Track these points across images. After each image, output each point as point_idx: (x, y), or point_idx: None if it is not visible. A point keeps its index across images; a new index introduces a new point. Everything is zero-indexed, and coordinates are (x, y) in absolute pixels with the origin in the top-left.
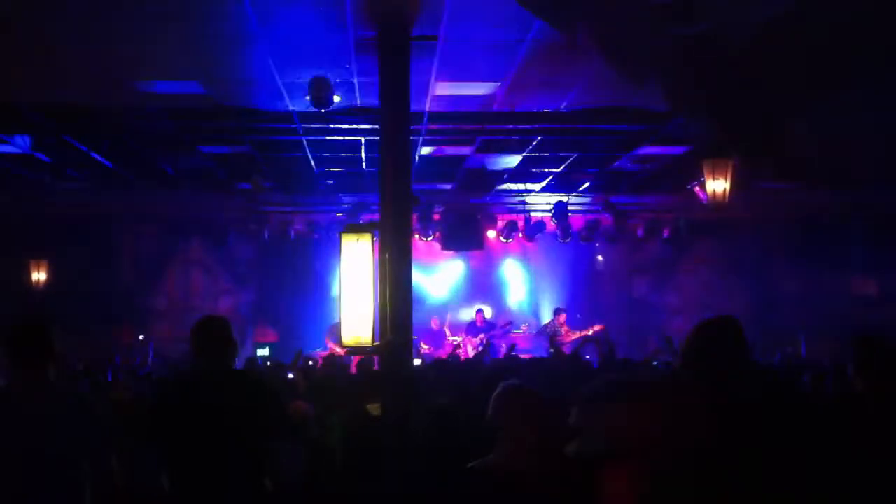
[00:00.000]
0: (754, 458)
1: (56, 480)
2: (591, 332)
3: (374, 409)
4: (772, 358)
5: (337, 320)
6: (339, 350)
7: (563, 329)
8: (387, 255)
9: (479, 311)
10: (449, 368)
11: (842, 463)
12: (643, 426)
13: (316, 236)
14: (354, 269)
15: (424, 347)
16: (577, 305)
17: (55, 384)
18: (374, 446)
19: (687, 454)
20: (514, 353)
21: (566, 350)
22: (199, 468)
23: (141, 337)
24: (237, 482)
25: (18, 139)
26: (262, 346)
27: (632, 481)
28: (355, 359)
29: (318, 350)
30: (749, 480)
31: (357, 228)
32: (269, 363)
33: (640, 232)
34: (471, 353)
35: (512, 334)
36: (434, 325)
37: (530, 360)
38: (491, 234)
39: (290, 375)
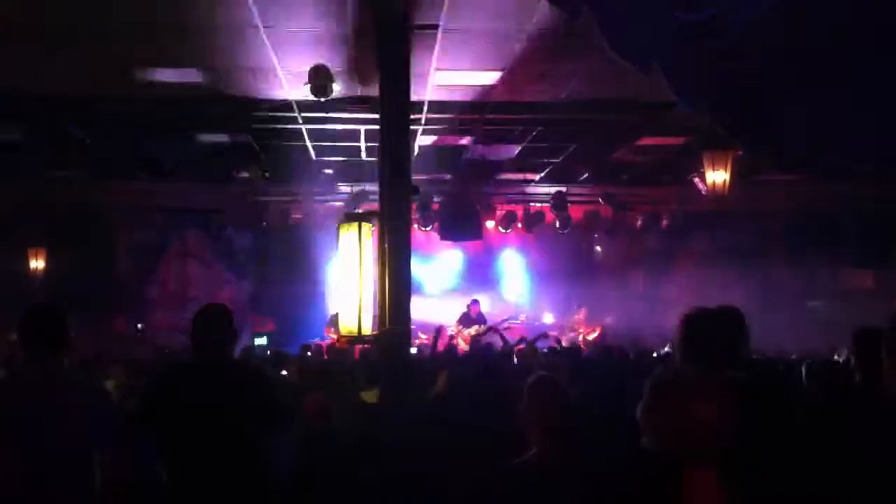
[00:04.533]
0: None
1: (68, 470)
2: (600, 329)
3: (368, 396)
4: (767, 350)
5: (337, 310)
6: (336, 340)
7: (583, 327)
8: (386, 245)
9: (475, 301)
10: (446, 359)
11: (842, 456)
12: (716, 418)
13: (314, 225)
14: (352, 259)
15: (422, 337)
16: (575, 297)
17: (69, 373)
18: (371, 434)
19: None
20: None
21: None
22: (197, 459)
23: (140, 325)
24: (235, 473)
25: (15, 127)
26: (261, 336)
27: (718, 481)
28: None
29: (316, 339)
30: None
31: (355, 218)
32: (269, 352)
33: (638, 223)
34: (462, 344)
35: (512, 325)
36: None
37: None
38: (489, 224)
39: (284, 372)
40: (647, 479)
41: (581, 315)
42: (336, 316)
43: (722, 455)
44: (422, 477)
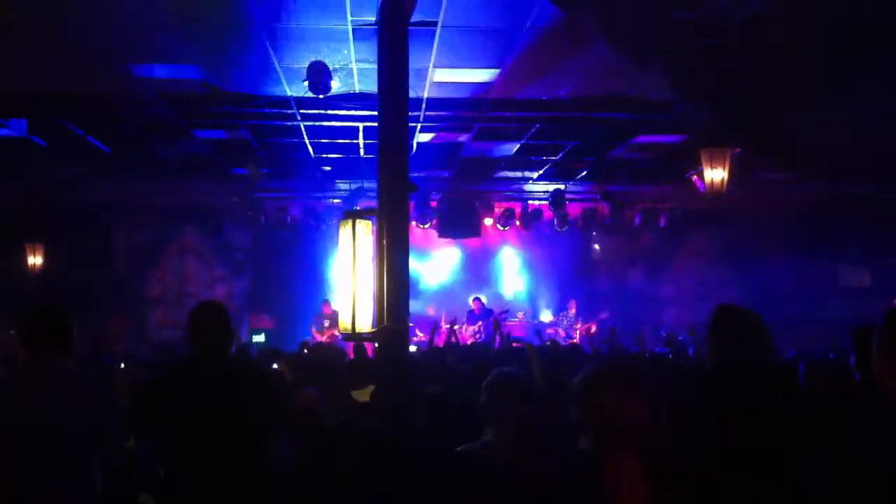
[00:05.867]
0: (755, 449)
1: (68, 467)
2: (595, 325)
3: (360, 395)
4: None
5: (320, 309)
6: (320, 338)
7: (578, 323)
8: (384, 242)
9: (476, 299)
10: (445, 356)
11: (843, 453)
12: (633, 412)
13: (312, 223)
14: (351, 256)
15: (419, 335)
16: (573, 294)
17: (71, 371)
18: (367, 433)
19: (681, 441)
20: (513, 342)
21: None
22: (198, 459)
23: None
24: (236, 473)
25: (14, 123)
26: (258, 333)
27: (636, 470)
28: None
29: (309, 338)
30: (751, 470)
31: (355, 215)
32: (264, 349)
33: (636, 221)
34: (469, 340)
35: (508, 322)
36: (430, 312)
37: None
38: (488, 221)
39: (275, 366)
40: (577, 471)
41: (572, 311)
42: (319, 315)
43: (644, 447)
44: (419, 476)
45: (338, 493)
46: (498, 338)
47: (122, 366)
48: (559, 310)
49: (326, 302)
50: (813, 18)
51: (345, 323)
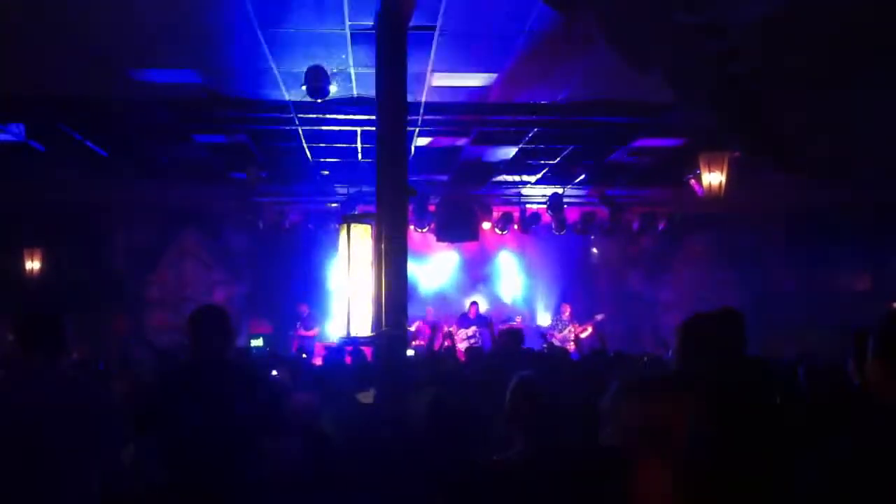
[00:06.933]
0: (754, 454)
1: (66, 470)
2: (592, 327)
3: (364, 397)
4: (765, 351)
5: (305, 312)
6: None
7: (572, 325)
8: (382, 247)
9: (474, 303)
10: (441, 359)
11: (842, 454)
12: (677, 417)
13: (311, 227)
14: (351, 260)
15: (418, 339)
16: (571, 298)
17: (68, 373)
18: (367, 435)
19: (716, 446)
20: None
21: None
22: (198, 460)
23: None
24: (232, 473)
25: (13, 127)
26: (257, 337)
27: (669, 475)
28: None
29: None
30: (752, 476)
31: (354, 219)
32: (265, 356)
33: (635, 225)
34: (461, 345)
35: (511, 326)
36: (429, 315)
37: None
38: (486, 225)
39: (274, 372)
40: (604, 474)
41: (566, 314)
42: (306, 318)
43: (677, 454)
44: (418, 477)
45: (337, 493)
46: (490, 339)
47: (123, 366)
48: (555, 314)
49: (303, 304)
50: (813, 20)
51: (342, 327)
